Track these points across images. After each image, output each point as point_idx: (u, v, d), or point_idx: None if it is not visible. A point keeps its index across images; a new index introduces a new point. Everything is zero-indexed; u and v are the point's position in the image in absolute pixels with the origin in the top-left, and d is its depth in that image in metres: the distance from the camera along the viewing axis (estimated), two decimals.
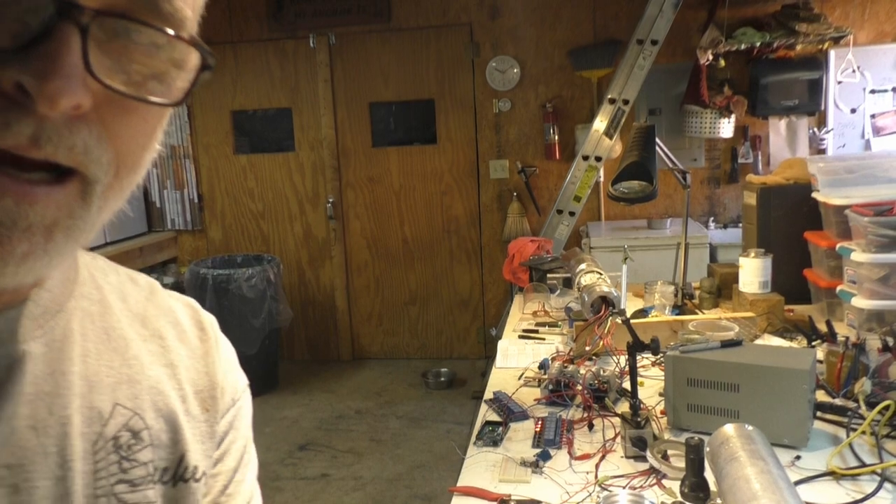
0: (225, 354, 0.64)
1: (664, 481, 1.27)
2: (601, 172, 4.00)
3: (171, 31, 0.42)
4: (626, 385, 1.57)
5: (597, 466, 1.34)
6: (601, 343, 1.77)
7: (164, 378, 0.56)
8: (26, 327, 0.48)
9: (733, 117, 4.25)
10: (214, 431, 0.59)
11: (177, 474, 0.54)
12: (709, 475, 1.14)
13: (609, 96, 3.76)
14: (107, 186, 0.43)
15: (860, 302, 1.90)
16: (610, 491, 1.24)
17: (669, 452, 1.34)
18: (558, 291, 2.41)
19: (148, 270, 4.51)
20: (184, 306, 0.63)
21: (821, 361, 1.62)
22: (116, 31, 0.41)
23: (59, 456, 0.47)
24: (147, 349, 0.56)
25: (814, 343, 1.85)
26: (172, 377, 0.57)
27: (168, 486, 0.54)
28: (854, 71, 4.19)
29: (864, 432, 1.34)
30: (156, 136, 0.47)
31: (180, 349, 0.59)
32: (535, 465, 1.35)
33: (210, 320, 0.65)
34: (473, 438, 1.50)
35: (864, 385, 1.46)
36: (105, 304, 0.56)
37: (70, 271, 0.54)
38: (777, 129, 4.43)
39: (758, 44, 4.02)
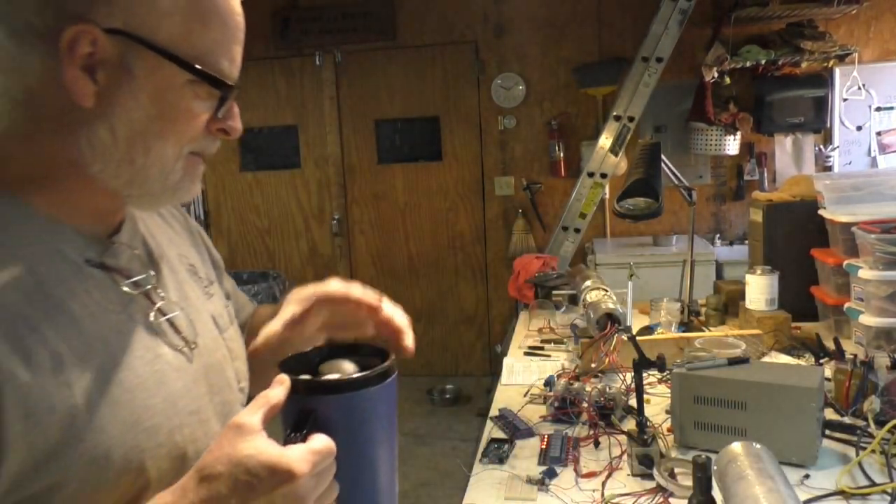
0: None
1: (671, 500, 1.26)
2: (606, 189, 3.99)
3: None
4: (633, 402, 1.56)
5: (603, 484, 1.33)
6: (607, 360, 1.76)
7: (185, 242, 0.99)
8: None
9: (739, 134, 4.25)
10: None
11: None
12: (716, 494, 1.13)
13: (614, 113, 3.77)
14: None
15: (868, 319, 1.89)
16: None
17: (676, 470, 1.33)
18: (564, 308, 2.40)
19: None
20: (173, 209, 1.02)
21: (829, 379, 1.61)
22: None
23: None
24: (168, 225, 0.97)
25: (822, 361, 1.84)
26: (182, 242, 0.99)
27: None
28: (859, 88, 4.20)
29: (873, 451, 1.33)
30: None
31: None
32: (542, 483, 1.34)
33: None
34: (479, 456, 1.49)
35: (872, 403, 1.45)
36: None
37: None
38: (783, 146, 4.44)
39: (763, 61, 4.03)
